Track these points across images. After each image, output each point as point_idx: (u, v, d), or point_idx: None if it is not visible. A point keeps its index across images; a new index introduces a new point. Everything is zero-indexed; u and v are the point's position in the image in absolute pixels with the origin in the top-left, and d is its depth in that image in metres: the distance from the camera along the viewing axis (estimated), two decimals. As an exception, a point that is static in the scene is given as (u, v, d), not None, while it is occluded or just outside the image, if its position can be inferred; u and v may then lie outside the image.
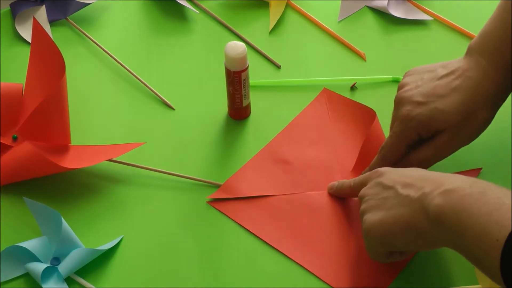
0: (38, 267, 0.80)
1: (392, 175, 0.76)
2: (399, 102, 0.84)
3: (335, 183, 0.88)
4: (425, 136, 0.82)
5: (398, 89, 0.86)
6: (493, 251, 0.62)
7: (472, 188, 0.66)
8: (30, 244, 0.82)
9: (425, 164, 0.83)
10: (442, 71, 0.83)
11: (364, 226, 0.76)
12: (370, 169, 0.86)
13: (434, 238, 0.70)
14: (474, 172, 0.89)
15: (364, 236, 0.76)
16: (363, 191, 0.78)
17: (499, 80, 0.81)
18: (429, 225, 0.69)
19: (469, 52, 0.83)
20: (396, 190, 0.73)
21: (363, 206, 0.77)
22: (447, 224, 0.66)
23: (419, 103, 0.82)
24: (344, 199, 0.88)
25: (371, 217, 0.75)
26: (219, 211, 0.88)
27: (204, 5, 1.14)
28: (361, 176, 0.82)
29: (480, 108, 0.81)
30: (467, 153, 0.91)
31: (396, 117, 0.84)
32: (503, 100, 0.83)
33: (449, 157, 0.88)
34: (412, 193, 0.71)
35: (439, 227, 0.68)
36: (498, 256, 0.61)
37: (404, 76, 0.87)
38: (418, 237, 0.71)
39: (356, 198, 0.88)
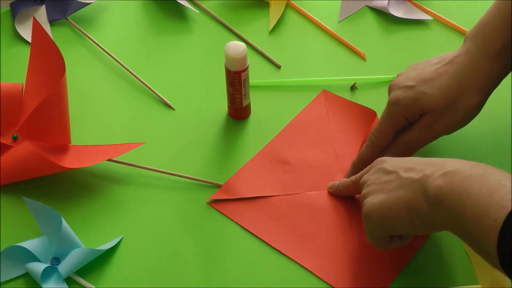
0: (38, 267, 0.80)
1: (394, 161, 0.77)
2: (389, 89, 0.86)
3: (335, 182, 0.88)
4: (411, 120, 0.84)
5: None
6: (491, 231, 0.62)
7: (473, 170, 0.67)
8: (30, 244, 0.82)
9: (411, 147, 0.85)
10: (435, 60, 0.85)
11: (364, 209, 0.76)
12: (359, 158, 0.87)
13: (433, 220, 0.70)
14: None
15: (364, 219, 0.77)
16: (365, 177, 0.79)
17: (488, 66, 0.82)
18: (429, 206, 0.69)
19: (465, 41, 0.85)
20: (398, 174, 0.74)
21: (364, 191, 0.77)
22: (446, 205, 0.67)
23: (406, 88, 0.83)
24: (344, 198, 0.88)
25: (372, 200, 0.75)
26: (219, 211, 0.88)
27: (204, 5, 1.14)
28: (363, 170, 0.82)
29: (467, 92, 0.82)
30: (467, 152, 0.92)
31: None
32: (493, 86, 0.83)
33: (447, 151, 0.88)
34: (414, 175, 0.72)
35: (438, 208, 0.68)
36: (496, 236, 0.62)
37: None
38: (418, 219, 0.71)
39: (356, 197, 0.88)
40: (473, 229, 0.64)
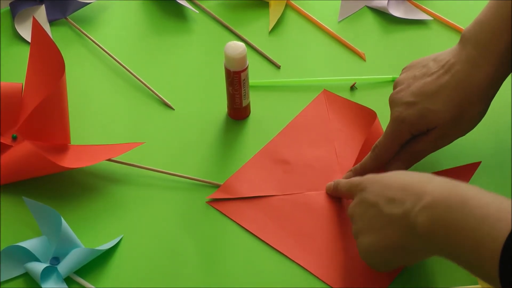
0: (38, 267, 0.80)
1: (375, 187, 0.75)
2: (391, 104, 0.85)
3: (331, 183, 0.88)
4: (417, 134, 0.83)
5: (393, 88, 0.86)
6: (489, 262, 0.62)
7: (451, 197, 0.66)
8: (30, 244, 0.82)
9: (418, 156, 0.84)
10: (433, 66, 0.83)
11: (359, 249, 0.77)
12: (361, 167, 0.87)
13: (427, 253, 0.71)
14: (473, 166, 0.89)
15: (362, 258, 0.77)
16: (350, 209, 0.78)
17: (491, 71, 0.80)
18: (420, 242, 0.69)
19: (462, 41, 0.82)
20: (379, 207, 0.73)
21: (353, 228, 0.78)
22: (437, 241, 0.66)
23: (409, 104, 0.82)
24: (344, 199, 0.88)
25: (364, 241, 0.76)
26: (219, 211, 0.88)
27: (204, 5, 1.14)
28: (349, 184, 0.81)
29: (471, 102, 0.80)
30: (468, 152, 0.91)
31: (390, 118, 0.85)
32: (495, 91, 0.82)
33: (447, 152, 0.88)
34: (395, 209, 0.71)
35: (430, 244, 0.68)
36: (496, 266, 0.61)
37: (401, 72, 0.87)
38: (413, 254, 0.72)
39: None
40: (470, 260, 0.64)
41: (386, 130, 0.85)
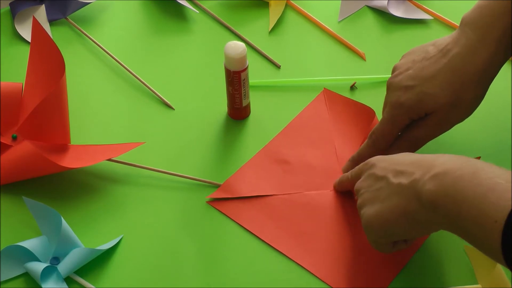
0: (38, 267, 0.80)
1: (383, 163, 0.76)
2: (389, 88, 0.84)
3: (337, 179, 0.88)
4: (416, 118, 0.83)
5: (392, 72, 0.86)
6: (493, 232, 0.61)
7: (463, 169, 0.66)
8: (30, 244, 0.82)
9: (418, 143, 0.84)
10: (432, 51, 0.83)
11: (362, 220, 0.76)
12: (359, 155, 0.86)
13: (431, 223, 0.70)
14: None
15: (364, 229, 0.77)
16: (357, 184, 0.78)
17: (489, 56, 0.79)
18: (425, 211, 0.69)
19: (461, 25, 0.82)
20: (388, 180, 0.73)
21: (359, 201, 0.77)
22: (443, 209, 0.66)
23: (407, 88, 0.82)
24: (343, 198, 0.88)
25: (368, 211, 0.75)
26: (219, 211, 0.88)
27: (204, 5, 1.14)
28: (356, 168, 0.82)
29: (469, 86, 0.80)
30: (468, 152, 0.91)
31: (387, 102, 0.84)
32: (492, 76, 0.81)
33: (447, 150, 0.87)
34: (403, 180, 0.71)
35: (435, 212, 0.67)
36: (499, 237, 0.61)
37: (401, 58, 0.87)
38: (416, 224, 0.71)
39: (355, 198, 0.88)
40: (474, 230, 0.64)
41: (383, 116, 0.84)
